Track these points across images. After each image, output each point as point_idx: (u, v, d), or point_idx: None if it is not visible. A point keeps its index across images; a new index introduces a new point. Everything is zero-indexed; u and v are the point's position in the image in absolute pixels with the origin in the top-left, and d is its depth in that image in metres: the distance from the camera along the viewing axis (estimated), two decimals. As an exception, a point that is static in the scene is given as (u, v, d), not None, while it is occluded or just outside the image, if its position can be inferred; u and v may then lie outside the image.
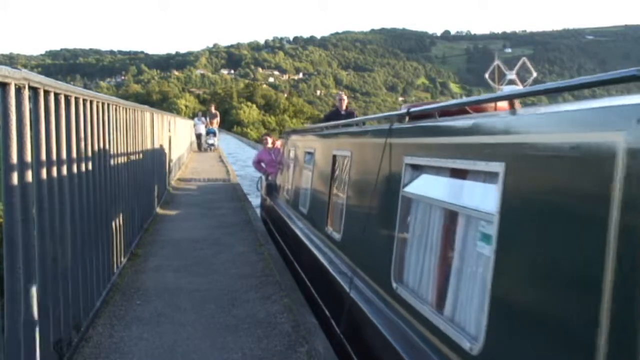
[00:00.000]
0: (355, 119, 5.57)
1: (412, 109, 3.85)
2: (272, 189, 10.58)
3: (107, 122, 5.15)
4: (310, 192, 7.02)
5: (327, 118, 10.49)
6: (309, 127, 9.26)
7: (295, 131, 10.14)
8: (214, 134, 27.63)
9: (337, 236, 5.21)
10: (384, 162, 3.98)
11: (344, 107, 10.26)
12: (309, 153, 7.46)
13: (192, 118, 28.99)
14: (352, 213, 4.85)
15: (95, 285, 4.57)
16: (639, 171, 1.68)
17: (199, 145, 27.13)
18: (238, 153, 33.20)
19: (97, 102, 4.73)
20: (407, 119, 3.90)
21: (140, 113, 7.67)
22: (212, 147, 27.30)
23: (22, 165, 2.86)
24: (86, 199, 4.24)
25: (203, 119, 27.35)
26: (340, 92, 11.95)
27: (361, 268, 4.27)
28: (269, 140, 11.34)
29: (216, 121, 28.05)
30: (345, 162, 5.26)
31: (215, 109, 30.06)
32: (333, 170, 5.82)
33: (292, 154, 9.09)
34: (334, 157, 5.80)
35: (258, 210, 11.41)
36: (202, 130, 26.89)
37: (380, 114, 4.96)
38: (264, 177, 11.65)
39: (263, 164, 11.13)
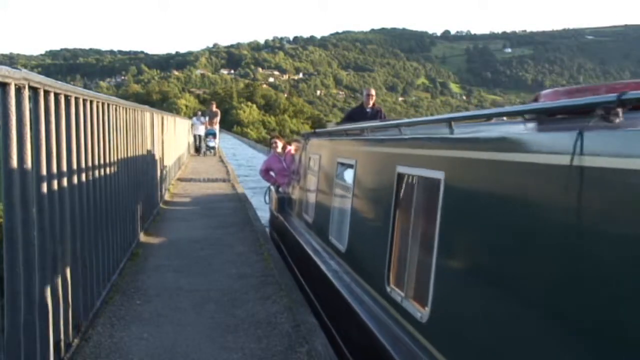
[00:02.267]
0: (447, 115, 3.38)
1: (634, 93, 1.96)
2: (284, 204, 8.79)
3: (107, 122, 5.15)
4: (350, 222, 4.89)
5: (350, 117, 8.79)
6: (342, 127, 6.85)
7: (317, 133, 7.83)
8: (214, 136, 23.77)
9: (418, 313, 3.17)
10: (567, 202, 2.05)
11: (370, 104, 8.60)
12: (346, 165, 5.39)
13: (192, 118, 25.14)
14: (458, 282, 2.83)
15: (95, 285, 4.57)
16: None
17: (198, 148, 23.75)
18: (239, 153, 33.31)
19: (97, 102, 4.73)
20: (620, 112, 1.98)
21: (140, 113, 7.67)
22: (213, 151, 23.75)
23: (22, 165, 2.86)
24: (86, 198, 4.24)
25: (202, 118, 23.60)
26: (369, 87, 10.05)
27: None
28: (279, 144, 9.49)
29: (216, 121, 23.99)
30: (432, 188, 3.20)
31: (216, 107, 26.02)
32: (397, 198, 3.79)
33: (313, 164, 6.99)
34: (400, 177, 3.76)
35: (268, 230, 9.71)
36: (201, 131, 23.29)
37: (516, 107, 3.12)
38: (273, 188, 9.78)
39: (272, 173, 9.43)
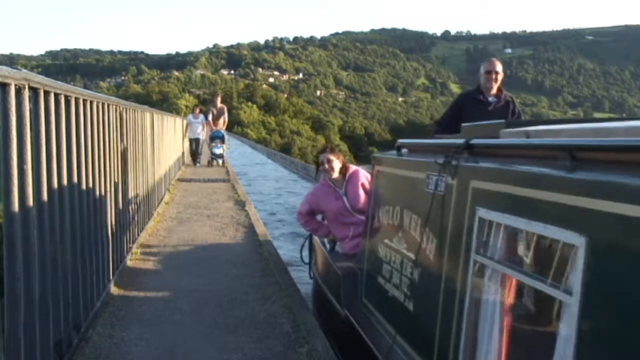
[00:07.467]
0: None
1: None
2: (354, 286, 4.28)
3: (107, 122, 5.15)
4: None
5: (458, 111, 5.10)
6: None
7: (510, 146, 2.48)
8: (222, 140, 17.07)
9: None
10: None
11: (494, 89, 5.10)
12: None
13: (188, 116, 18.46)
14: None
15: (95, 285, 4.57)
16: None
17: (195, 156, 17.60)
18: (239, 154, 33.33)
19: (97, 102, 4.73)
20: None
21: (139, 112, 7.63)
22: (220, 160, 17.52)
23: (22, 166, 2.86)
24: (86, 199, 4.24)
25: (201, 116, 16.99)
26: (490, 59, 5.40)
27: None
28: (337, 164, 4.95)
29: (224, 120, 17.04)
30: None
31: (222, 102, 17.96)
32: None
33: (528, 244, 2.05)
34: None
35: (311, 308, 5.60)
36: (200, 133, 16.97)
37: None
38: (319, 243, 5.51)
39: (319, 217, 5.37)
